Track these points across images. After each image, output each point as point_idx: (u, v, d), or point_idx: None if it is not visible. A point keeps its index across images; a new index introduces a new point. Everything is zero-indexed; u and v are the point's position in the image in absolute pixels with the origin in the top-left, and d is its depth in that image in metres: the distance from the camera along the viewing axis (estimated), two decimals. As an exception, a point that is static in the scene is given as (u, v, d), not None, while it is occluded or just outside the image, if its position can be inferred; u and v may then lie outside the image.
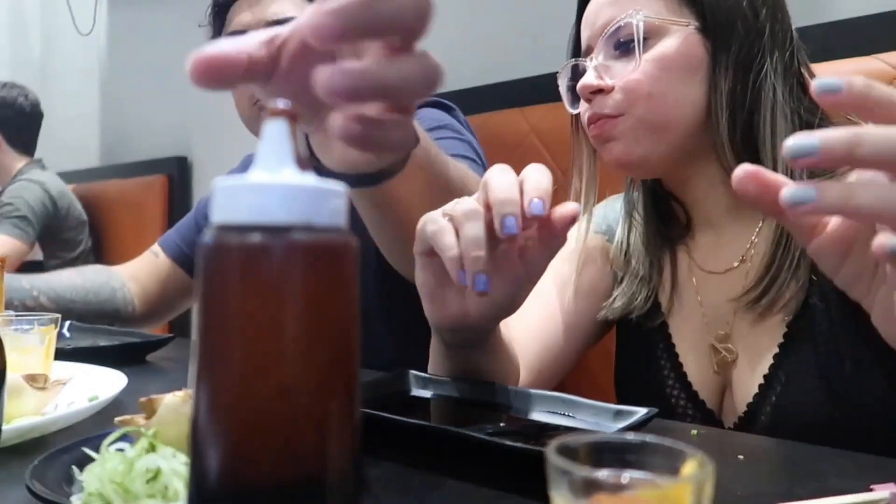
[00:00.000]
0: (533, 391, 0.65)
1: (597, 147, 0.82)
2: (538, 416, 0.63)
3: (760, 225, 0.79)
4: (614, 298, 0.87)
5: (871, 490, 0.45)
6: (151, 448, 0.45)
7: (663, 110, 0.77)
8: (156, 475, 0.42)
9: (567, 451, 0.29)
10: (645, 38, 0.76)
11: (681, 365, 0.82)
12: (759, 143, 0.75)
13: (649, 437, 0.30)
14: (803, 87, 0.77)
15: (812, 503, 0.44)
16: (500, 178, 0.59)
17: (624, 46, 0.77)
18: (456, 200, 0.60)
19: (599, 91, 0.78)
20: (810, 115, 0.76)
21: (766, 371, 0.75)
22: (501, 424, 0.62)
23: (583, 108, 0.83)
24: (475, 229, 0.57)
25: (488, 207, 0.58)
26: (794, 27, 0.78)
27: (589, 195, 0.87)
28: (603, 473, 0.28)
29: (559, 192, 1.28)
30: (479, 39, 1.59)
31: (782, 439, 0.67)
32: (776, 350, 0.75)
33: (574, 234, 0.90)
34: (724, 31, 0.76)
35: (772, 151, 0.74)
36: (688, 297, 0.83)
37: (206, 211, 1.37)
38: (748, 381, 0.76)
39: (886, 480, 0.46)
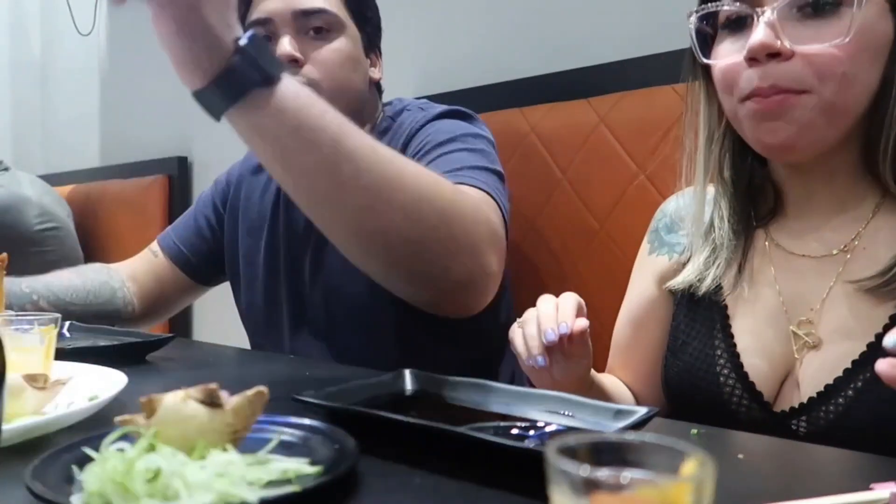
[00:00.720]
0: (533, 391, 0.65)
1: (752, 121, 0.72)
2: (538, 416, 0.63)
3: (870, 217, 0.74)
4: (685, 273, 0.83)
5: (871, 490, 0.45)
6: (151, 448, 0.45)
7: (851, 96, 0.69)
8: (156, 475, 0.42)
9: (567, 451, 0.29)
10: (839, 3, 0.67)
11: (734, 345, 0.79)
12: None
13: (649, 437, 0.30)
14: None
15: (812, 503, 0.44)
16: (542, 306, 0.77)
17: (823, 8, 0.67)
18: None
19: (776, 55, 0.68)
20: None
21: (855, 357, 0.70)
22: (501, 424, 0.62)
23: (731, 62, 0.73)
24: (531, 329, 0.76)
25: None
26: None
27: (709, 161, 0.81)
28: (603, 473, 0.28)
29: (557, 192, 1.29)
30: (480, 39, 1.59)
31: (790, 440, 0.67)
32: (871, 339, 0.70)
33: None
34: None
35: None
36: (761, 280, 0.79)
37: (207, 206, 1.35)
38: (828, 367, 0.72)
39: (886, 480, 0.46)
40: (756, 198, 0.82)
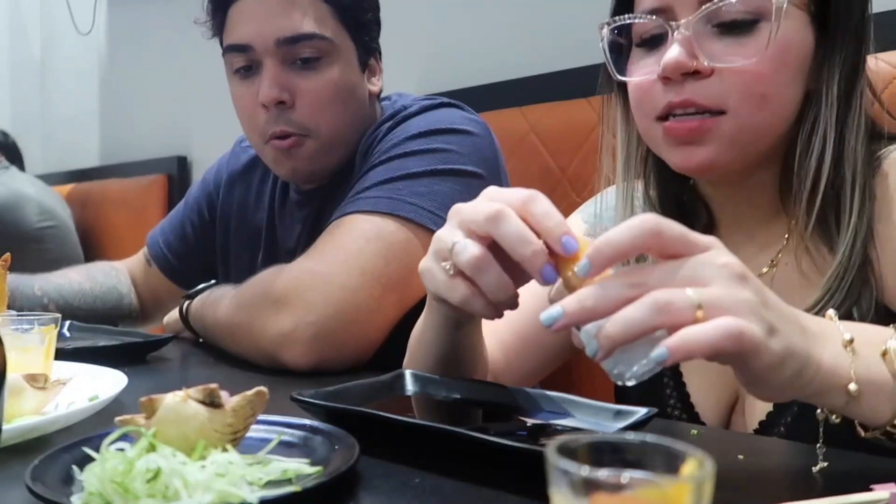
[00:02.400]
0: (533, 391, 0.65)
1: (667, 144, 0.68)
2: (538, 415, 0.63)
3: (784, 243, 0.72)
4: None
5: (871, 490, 0.45)
6: (151, 448, 0.45)
7: (769, 115, 0.66)
8: (156, 475, 0.42)
9: (567, 451, 0.29)
10: (756, 20, 0.63)
11: (682, 379, 0.77)
12: (843, 168, 0.65)
13: (649, 437, 0.30)
14: None
15: (812, 503, 0.44)
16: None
17: (740, 24, 0.64)
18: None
19: (692, 73, 0.65)
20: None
21: None
22: (501, 424, 0.62)
23: (645, 80, 0.68)
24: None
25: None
26: None
27: (628, 182, 0.76)
28: (603, 473, 0.28)
29: (557, 192, 1.29)
30: (479, 39, 1.59)
31: (782, 439, 0.67)
32: None
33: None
34: (842, 17, 0.65)
35: (852, 191, 0.65)
36: None
37: (193, 212, 1.32)
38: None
39: (886, 480, 0.46)
40: (688, 216, 0.77)
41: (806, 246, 0.69)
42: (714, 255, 0.47)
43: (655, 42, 0.69)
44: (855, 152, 0.66)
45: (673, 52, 0.65)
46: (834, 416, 0.53)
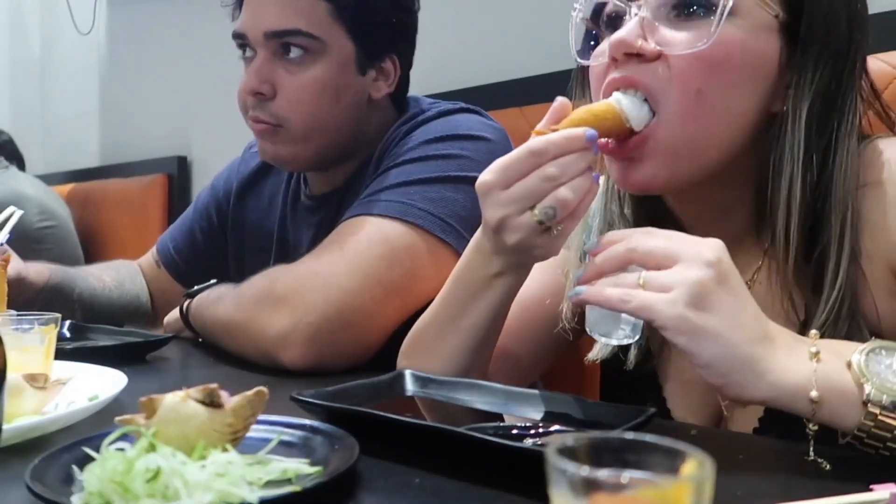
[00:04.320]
0: (533, 391, 0.65)
1: (609, 160, 0.67)
2: (538, 416, 0.63)
3: (760, 264, 0.69)
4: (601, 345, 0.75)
5: (871, 490, 0.45)
6: (151, 448, 0.45)
7: (707, 120, 0.63)
8: (156, 475, 0.42)
9: (567, 451, 0.29)
10: (711, 7, 0.60)
11: (666, 406, 0.76)
12: (830, 200, 0.62)
13: (649, 437, 0.30)
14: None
15: (812, 503, 0.44)
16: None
17: (693, 10, 0.61)
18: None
19: (638, 55, 0.62)
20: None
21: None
22: (501, 424, 0.62)
23: (598, 67, 0.66)
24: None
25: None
26: None
27: (605, 194, 0.74)
28: (603, 473, 0.28)
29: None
30: (480, 39, 1.59)
31: (782, 439, 0.67)
32: None
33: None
34: (818, 35, 0.62)
35: (840, 227, 0.62)
36: None
37: (203, 218, 1.33)
38: (748, 417, 0.69)
39: (886, 480, 0.46)
40: None
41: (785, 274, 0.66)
42: (707, 249, 0.53)
43: (617, 24, 0.66)
44: (843, 183, 0.63)
45: (622, 31, 0.62)
46: (812, 424, 0.54)
